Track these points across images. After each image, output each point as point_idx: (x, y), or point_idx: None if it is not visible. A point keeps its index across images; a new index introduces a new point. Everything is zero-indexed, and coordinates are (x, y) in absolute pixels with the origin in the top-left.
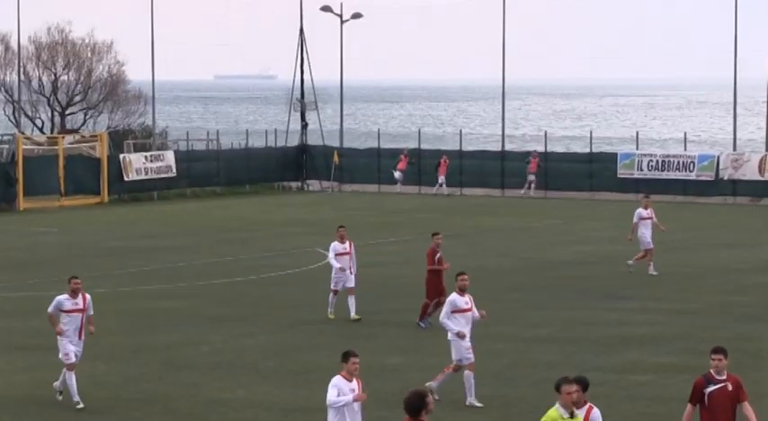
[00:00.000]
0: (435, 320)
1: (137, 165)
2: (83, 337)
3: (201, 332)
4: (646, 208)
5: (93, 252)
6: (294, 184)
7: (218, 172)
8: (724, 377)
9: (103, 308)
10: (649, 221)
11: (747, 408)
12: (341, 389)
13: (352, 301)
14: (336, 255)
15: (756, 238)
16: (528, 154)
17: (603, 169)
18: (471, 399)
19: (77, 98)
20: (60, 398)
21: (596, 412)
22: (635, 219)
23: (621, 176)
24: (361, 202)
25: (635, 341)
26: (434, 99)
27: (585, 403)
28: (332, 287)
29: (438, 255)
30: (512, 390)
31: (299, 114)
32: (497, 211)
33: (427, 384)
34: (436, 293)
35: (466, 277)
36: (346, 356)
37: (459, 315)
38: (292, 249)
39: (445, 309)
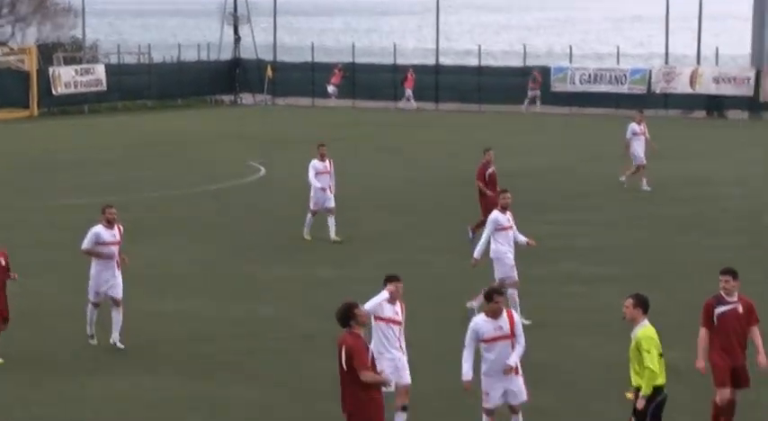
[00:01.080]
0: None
1: (66, 78)
2: (119, 269)
3: (133, 245)
4: (639, 123)
5: (22, 165)
6: (227, 98)
7: (150, 86)
8: (735, 299)
9: (33, 222)
10: (642, 137)
11: (755, 332)
12: (382, 309)
13: (331, 222)
14: (317, 174)
15: (688, 151)
16: (530, 69)
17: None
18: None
19: (5, 10)
20: (95, 342)
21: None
22: (628, 135)
23: (555, 90)
24: (294, 116)
25: (568, 252)
26: (370, 13)
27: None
28: (311, 207)
29: (490, 170)
30: (446, 310)
31: (231, 28)
32: (431, 125)
33: (467, 304)
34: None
35: (509, 195)
36: (389, 280)
37: (500, 233)
38: (225, 163)
39: (488, 228)
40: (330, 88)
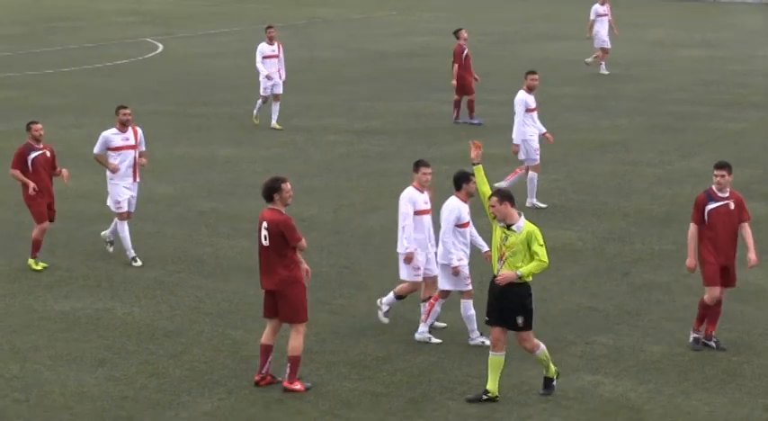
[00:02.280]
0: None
1: None
2: (137, 178)
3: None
4: (602, 4)
5: None
6: None
7: None
8: (726, 195)
9: None
10: (606, 18)
11: (746, 228)
12: (415, 202)
13: (275, 108)
14: (264, 57)
15: (584, 30)
16: None
17: None
18: (532, 200)
19: None
20: (111, 249)
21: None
22: (591, 17)
23: None
24: None
25: (466, 132)
26: None
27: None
28: (261, 93)
29: (465, 52)
30: (344, 181)
31: None
32: (330, 2)
33: (496, 184)
34: (463, 90)
35: (536, 76)
36: (417, 166)
37: (528, 114)
38: (122, 39)
39: (518, 109)
40: None
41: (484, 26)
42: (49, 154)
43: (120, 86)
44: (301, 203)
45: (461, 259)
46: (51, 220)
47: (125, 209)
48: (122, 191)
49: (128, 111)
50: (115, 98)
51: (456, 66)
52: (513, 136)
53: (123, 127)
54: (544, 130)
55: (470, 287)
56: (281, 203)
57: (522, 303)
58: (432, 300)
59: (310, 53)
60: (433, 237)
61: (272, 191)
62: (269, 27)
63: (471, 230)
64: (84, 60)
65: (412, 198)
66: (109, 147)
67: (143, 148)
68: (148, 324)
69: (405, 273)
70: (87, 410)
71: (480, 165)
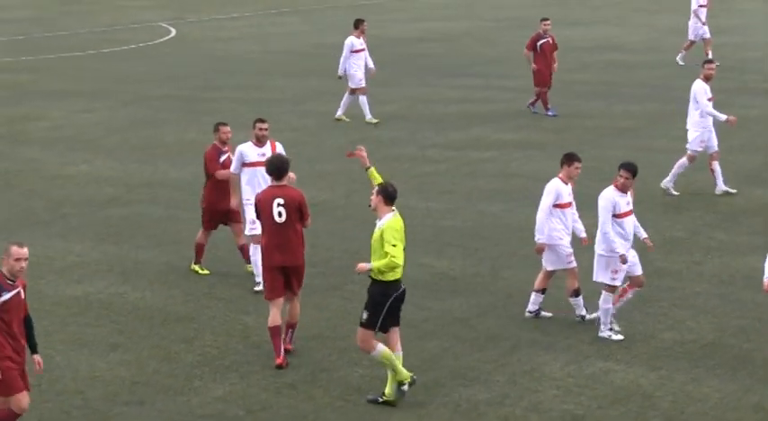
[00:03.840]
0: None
1: None
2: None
3: (42, 107)
4: None
5: None
6: None
7: None
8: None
9: None
10: (705, 9)
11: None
12: (560, 194)
13: (363, 101)
14: (353, 52)
15: (597, 16)
16: None
17: None
18: (669, 184)
19: None
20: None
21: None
22: (693, 6)
23: None
24: None
25: (477, 118)
26: None
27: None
28: (349, 85)
29: (543, 41)
30: (356, 166)
31: None
32: None
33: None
34: (542, 82)
35: (714, 66)
36: (571, 160)
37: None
38: (135, 24)
39: (701, 99)
40: None
41: (496, 11)
42: (232, 157)
43: (132, 71)
44: (313, 188)
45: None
46: (237, 222)
47: (258, 231)
48: (252, 209)
49: (264, 125)
50: (127, 82)
51: (531, 53)
52: (691, 126)
53: (259, 141)
54: (724, 117)
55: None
56: (287, 180)
57: (372, 300)
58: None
59: (319, 39)
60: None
61: (286, 167)
62: (360, 20)
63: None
64: (97, 45)
65: (557, 188)
66: (244, 163)
67: None
68: (160, 309)
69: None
70: (99, 395)
71: (372, 168)
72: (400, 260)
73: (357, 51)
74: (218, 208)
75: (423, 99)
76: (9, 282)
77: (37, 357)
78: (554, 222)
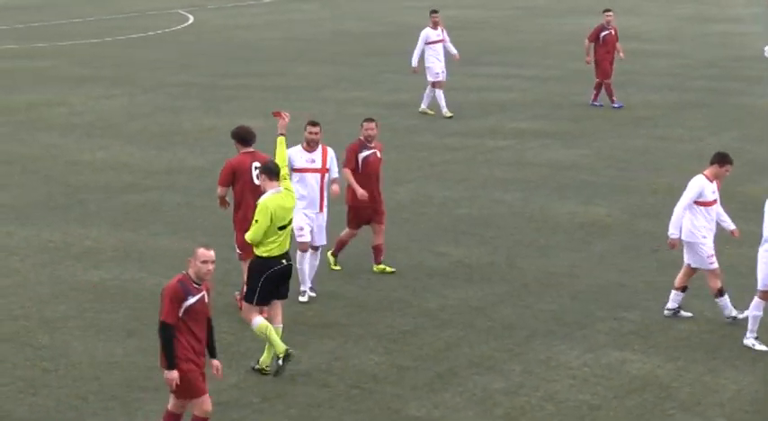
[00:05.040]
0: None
1: None
2: (323, 208)
3: (61, 93)
4: None
5: None
6: None
7: None
8: None
9: None
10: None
11: None
12: (703, 191)
13: (440, 94)
14: (428, 43)
15: (615, 5)
16: None
17: None
18: None
19: None
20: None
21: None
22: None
23: None
24: None
25: (495, 106)
26: None
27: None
28: (428, 78)
29: (606, 32)
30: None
31: None
32: None
33: None
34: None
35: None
36: (724, 162)
37: None
38: (153, 10)
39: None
40: None
41: (514, 0)
42: (378, 154)
43: (150, 58)
44: None
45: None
46: (379, 223)
47: (305, 238)
48: (302, 218)
49: (315, 129)
50: (146, 69)
51: (592, 45)
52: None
53: (310, 146)
54: None
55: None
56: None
57: (248, 274)
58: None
59: (338, 26)
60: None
61: (253, 137)
62: (434, 11)
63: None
64: (115, 31)
65: (701, 186)
66: (292, 168)
67: (335, 174)
68: None
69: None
70: (116, 380)
71: (283, 137)
72: (255, 237)
73: (432, 43)
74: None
75: None
76: (195, 285)
77: (215, 362)
78: (698, 219)
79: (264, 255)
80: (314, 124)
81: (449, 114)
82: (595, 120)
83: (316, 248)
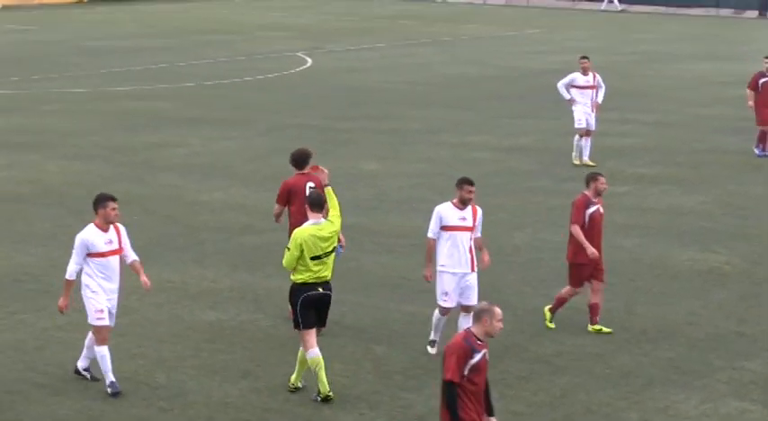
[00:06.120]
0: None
1: None
2: (474, 268)
3: (180, 134)
4: None
5: (73, 51)
6: None
7: None
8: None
9: (83, 107)
10: None
11: None
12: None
13: (587, 144)
14: (575, 87)
15: (737, 51)
16: None
17: None
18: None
19: None
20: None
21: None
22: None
23: None
24: (342, 7)
25: (614, 152)
26: None
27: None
28: (575, 125)
29: (765, 79)
30: (489, 198)
31: None
32: (479, 20)
33: None
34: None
35: None
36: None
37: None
38: (273, 53)
39: None
40: None
41: (630, 45)
42: (602, 210)
43: (268, 99)
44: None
45: None
46: (600, 280)
47: (449, 304)
48: (449, 279)
49: (473, 188)
50: (263, 111)
51: (753, 93)
52: None
53: (463, 204)
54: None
55: None
56: (311, 169)
57: (289, 300)
58: None
59: (457, 70)
60: None
61: (308, 157)
62: (583, 57)
63: None
64: (234, 73)
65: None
66: (443, 226)
67: (479, 233)
68: (292, 336)
69: None
70: None
71: (330, 188)
72: (286, 264)
73: (580, 87)
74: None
75: (558, 131)
76: (479, 342)
77: (493, 419)
78: None
79: (298, 281)
80: (471, 183)
81: (591, 163)
82: (714, 166)
83: (467, 309)
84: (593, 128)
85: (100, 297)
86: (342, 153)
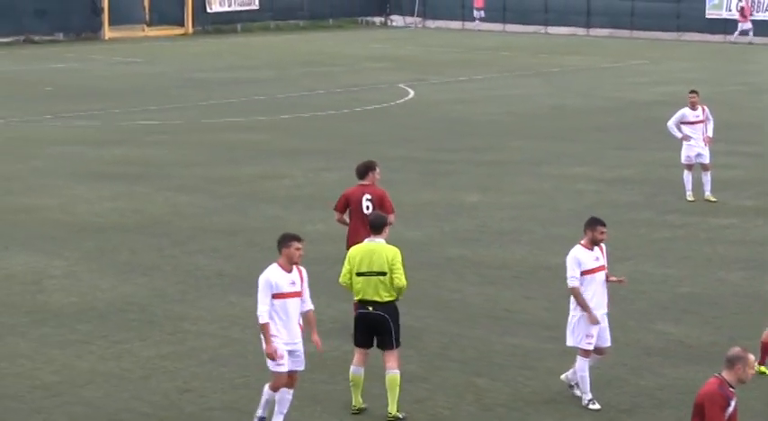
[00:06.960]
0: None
1: None
2: (607, 308)
3: (283, 165)
4: None
5: (177, 83)
6: (378, 20)
7: (302, 5)
8: None
9: (185, 139)
10: None
11: None
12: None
13: (706, 179)
14: (685, 123)
15: None
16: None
17: (691, 9)
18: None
19: None
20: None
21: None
22: None
23: (710, 17)
24: (444, 39)
25: (718, 184)
26: None
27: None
28: (683, 162)
29: None
30: None
31: None
32: (582, 51)
33: None
34: None
35: None
36: None
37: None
38: (374, 85)
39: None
40: (475, 12)
41: (737, 76)
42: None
43: (370, 131)
44: (549, 251)
45: None
46: None
47: (590, 347)
48: (587, 325)
49: (606, 229)
50: (365, 143)
51: None
52: None
53: (592, 245)
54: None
55: None
56: (371, 180)
57: None
58: None
59: (561, 101)
60: None
61: (369, 169)
62: (691, 92)
63: None
64: (335, 105)
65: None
66: (582, 271)
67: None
68: None
69: None
70: None
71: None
72: (340, 279)
73: (688, 123)
74: None
75: (662, 163)
76: (731, 389)
77: None
78: None
79: (355, 298)
80: (603, 224)
81: (712, 199)
82: None
83: (600, 352)
84: (706, 161)
85: (278, 341)
86: (444, 184)
